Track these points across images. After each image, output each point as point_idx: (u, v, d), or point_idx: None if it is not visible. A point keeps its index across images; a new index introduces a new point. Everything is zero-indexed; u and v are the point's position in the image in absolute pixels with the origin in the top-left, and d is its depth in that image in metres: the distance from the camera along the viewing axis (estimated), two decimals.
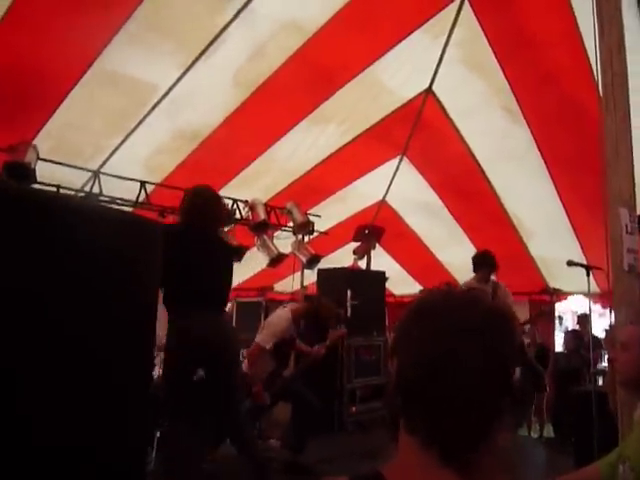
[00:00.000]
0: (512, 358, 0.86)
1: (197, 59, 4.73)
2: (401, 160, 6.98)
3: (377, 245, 7.96)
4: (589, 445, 3.58)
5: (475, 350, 0.82)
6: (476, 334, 0.83)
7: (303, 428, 4.46)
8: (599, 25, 2.73)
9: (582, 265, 4.20)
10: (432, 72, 5.77)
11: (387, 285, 8.15)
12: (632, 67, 2.71)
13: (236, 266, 6.69)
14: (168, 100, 5.01)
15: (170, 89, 4.92)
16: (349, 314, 5.88)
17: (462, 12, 5.08)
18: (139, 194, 5.62)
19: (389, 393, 0.91)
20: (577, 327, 8.22)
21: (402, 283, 9.09)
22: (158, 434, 4.34)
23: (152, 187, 5.80)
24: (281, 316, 4.62)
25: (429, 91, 5.95)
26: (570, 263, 4.24)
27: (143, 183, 5.63)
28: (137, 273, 2.33)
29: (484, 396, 0.82)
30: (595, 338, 6.25)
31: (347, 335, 5.31)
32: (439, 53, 5.54)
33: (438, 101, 6.00)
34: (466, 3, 5.00)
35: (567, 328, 9.95)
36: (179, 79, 4.86)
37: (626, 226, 2.54)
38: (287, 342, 4.58)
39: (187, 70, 4.80)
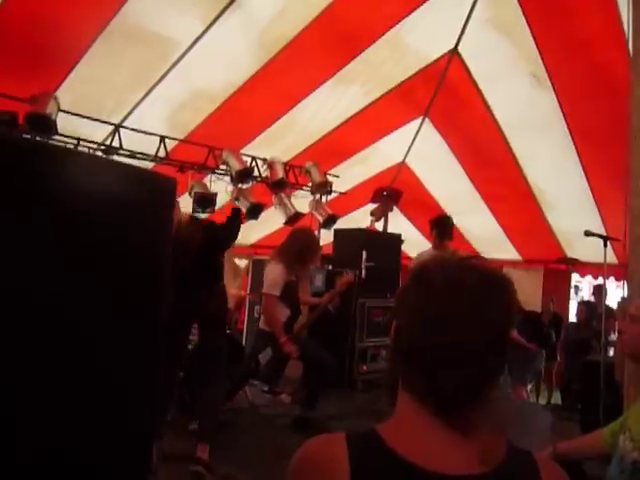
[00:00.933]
0: (505, 320, 0.89)
1: (220, 15, 4.67)
2: (423, 121, 6.88)
3: (395, 208, 7.94)
4: (595, 414, 3.63)
5: (468, 308, 0.85)
6: (470, 293, 0.86)
7: (314, 386, 4.56)
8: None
9: (599, 235, 4.17)
10: (458, 32, 5.62)
11: (403, 248, 8.17)
12: None
13: (253, 223, 6.82)
14: (190, 56, 4.97)
15: (192, 45, 4.88)
16: (364, 275, 5.93)
17: None
18: (158, 149, 5.64)
19: (388, 355, 0.95)
20: (592, 298, 8.22)
21: (419, 246, 9.05)
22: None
23: (172, 143, 5.82)
24: (272, 265, 4.63)
25: (454, 51, 5.81)
26: (587, 233, 4.21)
27: (163, 138, 5.65)
28: (149, 225, 2.39)
29: (477, 353, 0.85)
30: (609, 309, 6.24)
31: (354, 280, 5.23)
32: (467, 12, 5.38)
33: (463, 63, 5.86)
34: None
35: (582, 298, 9.97)
36: (201, 35, 4.81)
37: None
38: (292, 286, 4.61)
39: (209, 26, 4.74)
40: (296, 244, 4.56)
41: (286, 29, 4.97)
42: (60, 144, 4.84)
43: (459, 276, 0.88)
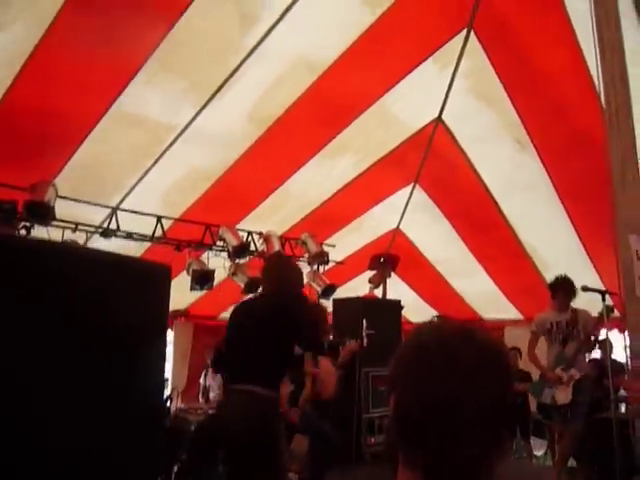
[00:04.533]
0: (508, 392, 0.90)
1: (212, 98, 4.87)
2: (414, 188, 7.04)
3: (392, 273, 7.97)
4: (611, 473, 3.53)
5: (473, 390, 0.85)
6: (472, 372, 0.87)
7: (320, 461, 4.44)
8: (600, 55, 2.79)
9: (596, 290, 4.20)
10: (441, 101, 5.86)
11: (403, 313, 8.14)
12: None
13: None
14: (184, 138, 5.14)
15: (186, 127, 5.06)
16: (365, 344, 5.87)
17: (469, 43, 5.19)
18: (155, 229, 5.73)
19: (388, 428, 0.94)
20: (599, 353, 8.11)
21: (418, 311, 9.06)
22: (176, 468, 4.35)
23: (169, 222, 5.92)
24: None
25: (439, 120, 6.04)
26: (585, 289, 4.24)
27: (159, 218, 5.75)
28: (144, 310, 2.51)
29: (484, 433, 0.85)
30: (617, 363, 6.15)
31: (358, 348, 5.14)
32: (447, 82, 5.64)
33: (448, 130, 6.08)
34: (472, 35, 5.11)
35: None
36: (194, 117, 5.00)
37: (637, 252, 2.55)
38: (298, 359, 4.52)
39: (202, 108, 4.94)
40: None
41: (275, 106, 5.17)
42: (57, 237, 5.04)
43: (457, 348, 0.89)
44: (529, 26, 4.84)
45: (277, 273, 3.72)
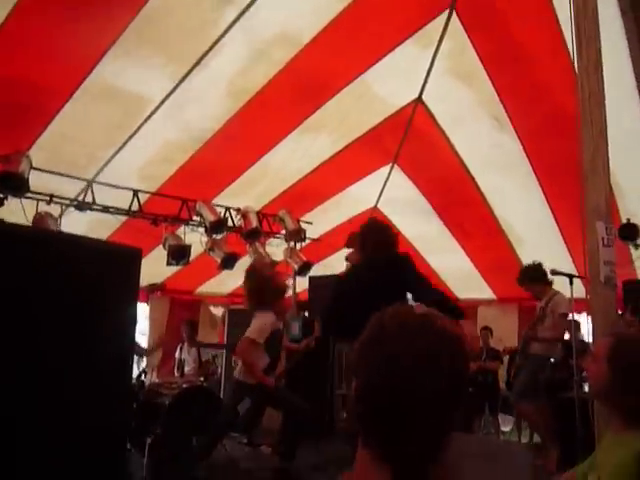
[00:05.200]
0: (464, 377, 0.93)
1: (190, 71, 4.80)
2: (392, 167, 7.06)
3: None
4: (573, 451, 3.65)
5: (430, 374, 0.89)
6: (431, 359, 0.90)
7: (293, 435, 4.50)
8: (577, 44, 2.81)
9: (565, 274, 4.28)
10: (422, 82, 5.85)
11: None
12: None
13: (228, 276, 6.84)
14: (161, 111, 5.08)
15: (163, 101, 5.00)
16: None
17: (450, 24, 5.17)
18: (132, 203, 5.68)
19: (349, 410, 0.97)
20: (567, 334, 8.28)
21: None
22: (149, 440, 4.39)
23: (145, 196, 5.86)
24: (264, 313, 4.57)
25: (419, 100, 6.04)
26: (553, 272, 4.33)
27: (136, 192, 5.69)
28: (112, 295, 2.76)
29: (438, 416, 0.89)
30: (584, 344, 6.32)
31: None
32: (428, 63, 5.62)
33: (428, 110, 6.08)
34: (454, 15, 5.09)
35: None
36: (172, 91, 4.93)
37: (603, 239, 2.61)
38: (278, 334, 4.55)
39: (180, 82, 4.87)
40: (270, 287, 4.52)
41: (253, 81, 5.12)
42: (31, 209, 4.98)
43: (419, 340, 0.92)
44: (511, 8, 4.83)
45: (379, 236, 3.90)
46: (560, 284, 5.00)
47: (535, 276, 5.26)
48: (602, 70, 2.72)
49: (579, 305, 4.69)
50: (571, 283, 4.19)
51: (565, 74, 4.80)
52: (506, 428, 7.78)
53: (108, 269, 2.71)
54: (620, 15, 4.27)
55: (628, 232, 5.01)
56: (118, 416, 2.92)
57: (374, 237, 3.91)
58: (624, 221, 5.39)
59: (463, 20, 5.09)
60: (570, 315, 5.04)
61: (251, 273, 4.62)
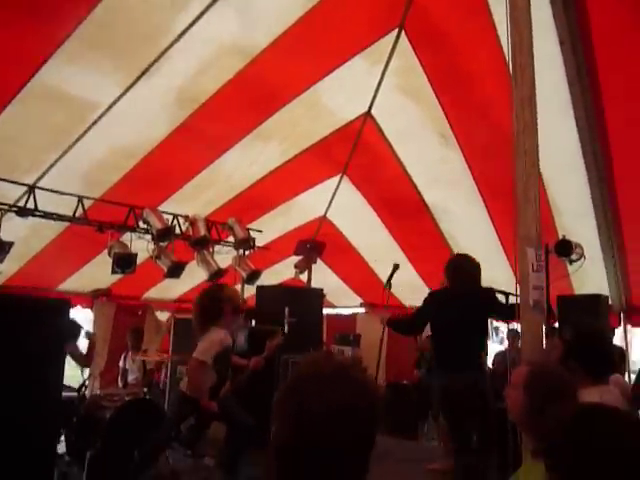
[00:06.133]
0: (375, 427, 0.99)
1: (139, 78, 4.75)
2: (341, 178, 7.16)
3: (318, 259, 8.10)
4: (506, 460, 3.79)
5: (342, 424, 0.94)
6: (343, 411, 0.95)
7: (236, 447, 4.51)
8: (513, 75, 2.94)
9: (501, 292, 4.46)
10: (371, 96, 5.96)
11: (328, 298, 8.31)
12: None
13: (175, 281, 6.77)
14: (109, 117, 4.98)
15: (110, 106, 4.91)
16: (286, 331, 5.97)
17: (399, 42, 5.29)
18: (76, 209, 5.56)
19: (268, 454, 1.02)
20: (507, 342, 8.56)
21: (343, 296, 9.28)
22: (89, 455, 4.32)
23: (90, 202, 5.75)
24: (215, 330, 4.56)
25: (368, 114, 6.15)
26: (490, 290, 4.50)
27: (81, 198, 5.58)
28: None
29: (352, 462, 0.95)
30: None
31: (281, 342, 5.30)
32: (377, 79, 5.73)
33: (377, 124, 6.20)
34: (403, 35, 5.21)
35: (502, 340, 10.35)
36: (120, 97, 4.86)
37: (532, 265, 2.75)
38: (228, 350, 4.54)
39: (128, 89, 4.80)
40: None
41: (203, 89, 5.10)
42: None
43: (331, 386, 0.97)
44: (457, 28, 4.98)
45: (470, 271, 4.63)
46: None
47: None
48: (535, 103, 2.86)
49: None
50: (507, 300, 4.36)
51: (506, 94, 4.99)
52: None
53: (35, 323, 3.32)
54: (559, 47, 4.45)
55: (563, 248, 5.22)
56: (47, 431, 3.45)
57: (469, 270, 4.64)
58: (560, 237, 5.62)
59: (411, 39, 5.22)
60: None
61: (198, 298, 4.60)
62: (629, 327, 6.93)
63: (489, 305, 4.49)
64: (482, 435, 4.42)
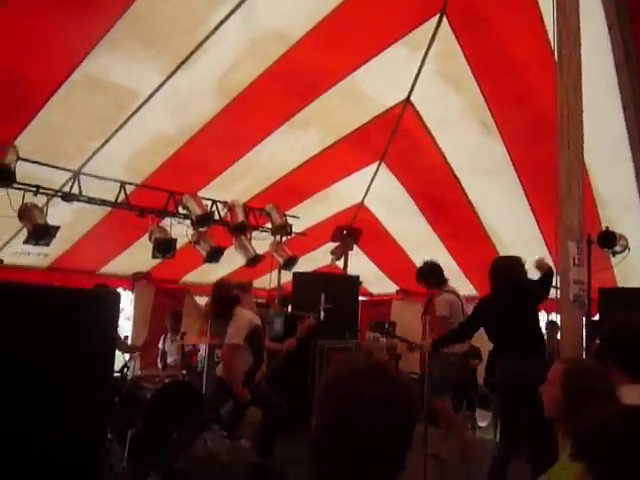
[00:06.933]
0: (412, 424, 1.00)
1: (179, 67, 4.80)
2: (379, 166, 7.11)
3: (355, 246, 8.10)
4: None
5: (380, 421, 0.96)
6: (379, 405, 0.97)
7: (272, 430, 4.60)
8: (558, 64, 2.87)
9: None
10: (411, 83, 5.89)
11: (364, 285, 8.32)
12: None
13: (213, 266, 6.87)
14: (149, 105, 5.07)
15: (151, 95, 4.99)
16: (322, 317, 6.02)
17: (440, 28, 5.20)
18: (118, 194, 5.69)
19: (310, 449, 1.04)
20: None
21: (379, 283, 9.27)
22: (130, 433, 4.46)
23: (132, 188, 5.88)
24: (241, 311, 4.67)
25: (407, 101, 6.08)
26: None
27: (123, 184, 5.70)
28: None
29: (388, 459, 0.96)
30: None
31: (315, 324, 5.37)
32: (418, 65, 5.65)
33: (416, 111, 6.12)
34: (444, 20, 5.12)
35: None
36: (160, 85, 4.93)
37: (574, 259, 2.69)
38: (258, 331, 4.63)
39: (169, 77, 4.87)
40: None
41: (243, 76, 5.13)
42: (17, 200, 5.08)
43: (366, 383, 0.99)
44: (500, 16, 4.87)
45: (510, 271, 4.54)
46: None
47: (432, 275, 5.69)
48: (581, 93, 2.78)
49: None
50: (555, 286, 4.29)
51: (550, 83, 4.87)
52: (483, 424, 7.95)
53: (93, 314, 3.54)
54: (607, 30, 4.32)
55: (606, 240, 5.09)
56: (99, 412, 3.47)
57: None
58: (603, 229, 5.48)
59: (453, 25, 5.12)
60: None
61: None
62: None
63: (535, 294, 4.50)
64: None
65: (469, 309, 5.40)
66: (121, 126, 5.22)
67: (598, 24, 4.28)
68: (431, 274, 5.65)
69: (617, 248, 5.25)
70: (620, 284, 6.42)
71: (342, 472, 0.96)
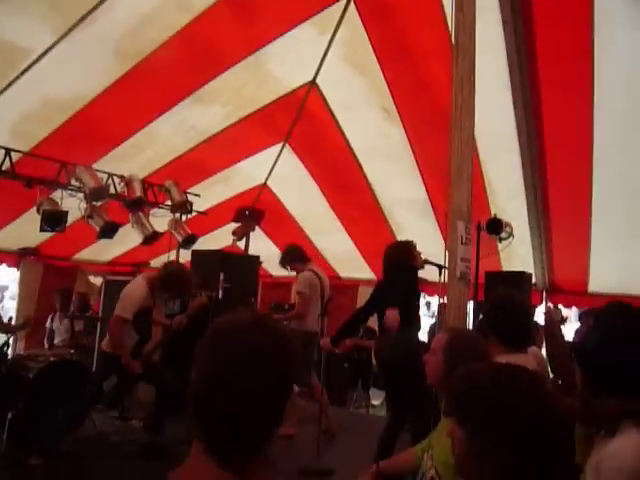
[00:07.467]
0: (294, 374, 1.02)
1: (75, 26, 4.52)
2: (283, 147, 7.11)
3: (257, 227, 8.07)
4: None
5: (258, 368, 0.96)
6: (259, 354, 0.97)
7: (163, 409, 4.51)
8: (454, 53, 2.99)
9: (434, 264, 4.58)
10: (317, 65, 5.93)
11: (265, 266, 8.31)
12: None
13: (108, 243, 6.59)
14: (41, 65, 4.74)
15: (43, 54, 4.66)
16: (220, 296, 5.94)
17: (347, 12, 5.27)
18: (3, 162, 5.28)
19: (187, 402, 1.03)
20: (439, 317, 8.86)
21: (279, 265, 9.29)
22: (10, 415, 4.20)
23: (19, 156, 5.47)
24: (137, 283, 4.64)
25: (313, 83, 6.11)
26: (425, 262, 4.61)
27: (8, 150, 5.30)
28: None
29: (265, 410, 0.97)
30: None
31: (207, 303, 5.34)
32: (324, 48, 5.70)
33: (321, 94, 6.18)
34: (352, 4, 5.18)
35: (434, 314, 10.70)
36: (54, 45, 4.61)
37: (461, 237, 2.84)
38: (146, 311, 4.57)
39: (63, 36, 4.57)
40: (170, 280, 4.63)
41: (144, 43, 4.92)
42: None
43: (246, 332, 0.99)
44: (406, 3, 5.01)
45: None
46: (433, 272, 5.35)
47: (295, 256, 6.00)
48: (474, 81, 2.92)
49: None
50: (440, 273, 4.48)
51: (449, 74, 5.09)
52: (376, 402, 8.25)
53: None
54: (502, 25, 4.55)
55: (493, 226, 5.42)
56: None
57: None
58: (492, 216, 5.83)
59: (360, 10, 5.20)
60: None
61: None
62: (550, 305, 7.31)
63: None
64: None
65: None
66: (8, 86, 4.84)
67: (494, 21, 4.51)
68: (294, 258, 5.96)
69: (503, 234, 5.59)
70: (504, 269, 6.85)
71: (219, 418, 0.95)
